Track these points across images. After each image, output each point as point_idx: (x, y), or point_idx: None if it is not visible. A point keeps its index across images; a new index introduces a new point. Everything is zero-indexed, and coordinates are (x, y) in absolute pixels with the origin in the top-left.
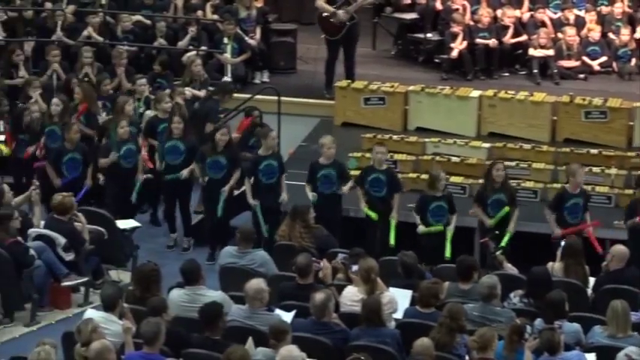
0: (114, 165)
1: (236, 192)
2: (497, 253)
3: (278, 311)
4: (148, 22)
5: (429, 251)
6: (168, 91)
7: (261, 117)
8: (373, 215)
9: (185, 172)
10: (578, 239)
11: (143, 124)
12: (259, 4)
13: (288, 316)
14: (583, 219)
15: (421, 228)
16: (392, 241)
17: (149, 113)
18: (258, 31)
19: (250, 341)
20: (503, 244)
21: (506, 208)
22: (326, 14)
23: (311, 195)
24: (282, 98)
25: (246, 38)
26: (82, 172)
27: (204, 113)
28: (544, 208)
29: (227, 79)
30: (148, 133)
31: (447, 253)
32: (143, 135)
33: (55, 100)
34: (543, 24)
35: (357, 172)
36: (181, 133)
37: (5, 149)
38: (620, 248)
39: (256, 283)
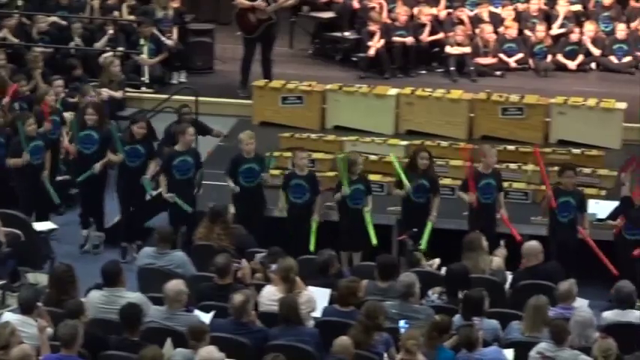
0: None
1: (154, 192)
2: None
3: (197, 312)
4: (64, 22)
5: (349, 237)
6: (93, 84)
7: (191, 113)
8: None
9: (98, 166)
10: (477, 233)
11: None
12: (176, 5)
13: (207, 317)
14: (495, 199)
15: (345, 189)
16: (312, 247)
17: (67, 116)
18: (175, 31)
19: (169, 342)
20: (426, 238)
21: (430, 225)
22: (243, 11)
23: (233, 186)
24: (200, 98)
25: (163, 39)
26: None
27: None
28: (457, 190)
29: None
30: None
31: (373, 238)
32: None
33: None
34: (461, 21)
35: (275, 172)
36: (95, 123)
37: None
38: (530, 245)
39: (176, 285)
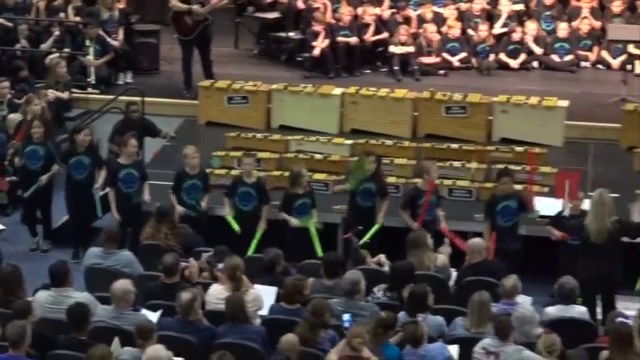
0: None
1: (100, 193)
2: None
3: (144, 311)
4: (10, 24)
5: (297, 248)
6: (39, 85)
7: (139, 111)
8: (236, 228)
9: (44, 178)
10: (422, 230)
11: (6, 126)
12: (121, 6)
13: (154, 316)
14: (435, 215)
15: (294, 221)
16: (251, 250)
17: (13, 117)
18: (120, 32)
19: (117, 341)
20: (370, 234)
21: (377, 226)
22: (178, 13)
23: (180, 209)
24: (146, 99)
25: (109, 40)
26: None
27: None
28: (398, 208)
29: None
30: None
31: (319, 250)
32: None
33: None
34: (405, 21)
35: (220, 172)
36: (41, 137)
37: None
38: (474, 241)
39: (123, 284)
